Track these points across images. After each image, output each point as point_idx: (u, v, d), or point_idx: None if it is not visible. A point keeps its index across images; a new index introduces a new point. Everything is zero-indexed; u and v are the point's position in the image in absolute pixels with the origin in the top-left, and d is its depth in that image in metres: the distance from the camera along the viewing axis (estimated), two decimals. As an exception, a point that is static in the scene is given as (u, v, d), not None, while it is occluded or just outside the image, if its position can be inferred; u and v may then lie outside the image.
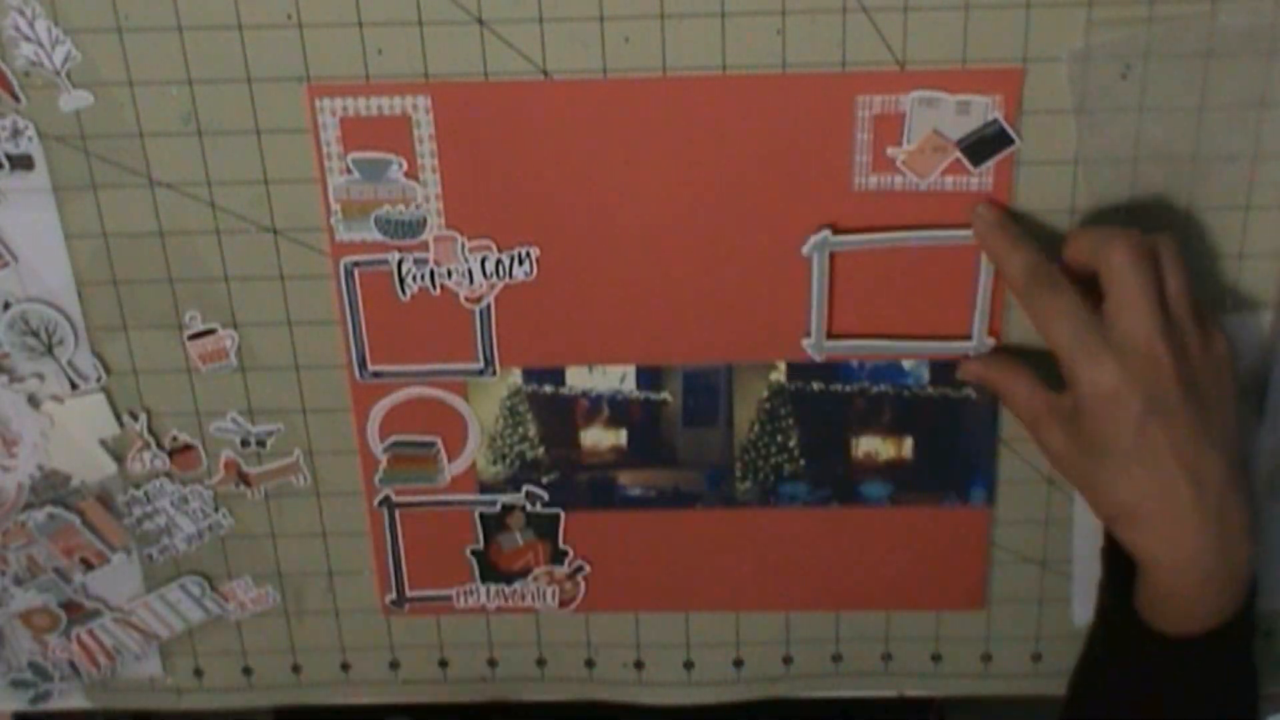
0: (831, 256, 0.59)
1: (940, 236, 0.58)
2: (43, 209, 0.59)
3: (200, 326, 0.61)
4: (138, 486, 0.65)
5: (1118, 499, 0.55)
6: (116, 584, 0.68)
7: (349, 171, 0.58)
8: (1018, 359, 0.59)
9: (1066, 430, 0.56)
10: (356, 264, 0.60)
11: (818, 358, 0.61)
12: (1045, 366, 0.56)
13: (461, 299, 0.60)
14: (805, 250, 0.59)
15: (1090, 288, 0.55)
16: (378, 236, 0.59)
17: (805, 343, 0.61)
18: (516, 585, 0.68)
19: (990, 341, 0.61)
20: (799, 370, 0.62)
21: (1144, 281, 0.53)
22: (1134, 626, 0.57)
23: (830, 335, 0.61)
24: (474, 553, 0.67)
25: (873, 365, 0.62)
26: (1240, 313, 0.60)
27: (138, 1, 0.55)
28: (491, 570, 0.67)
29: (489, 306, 0.61)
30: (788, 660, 0.70)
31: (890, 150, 0.57)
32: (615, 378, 0.63)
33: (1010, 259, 0.57)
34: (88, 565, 0.67)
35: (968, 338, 0.61)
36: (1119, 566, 0.57)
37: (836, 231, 0.58)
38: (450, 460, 0.65)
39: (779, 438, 0.64)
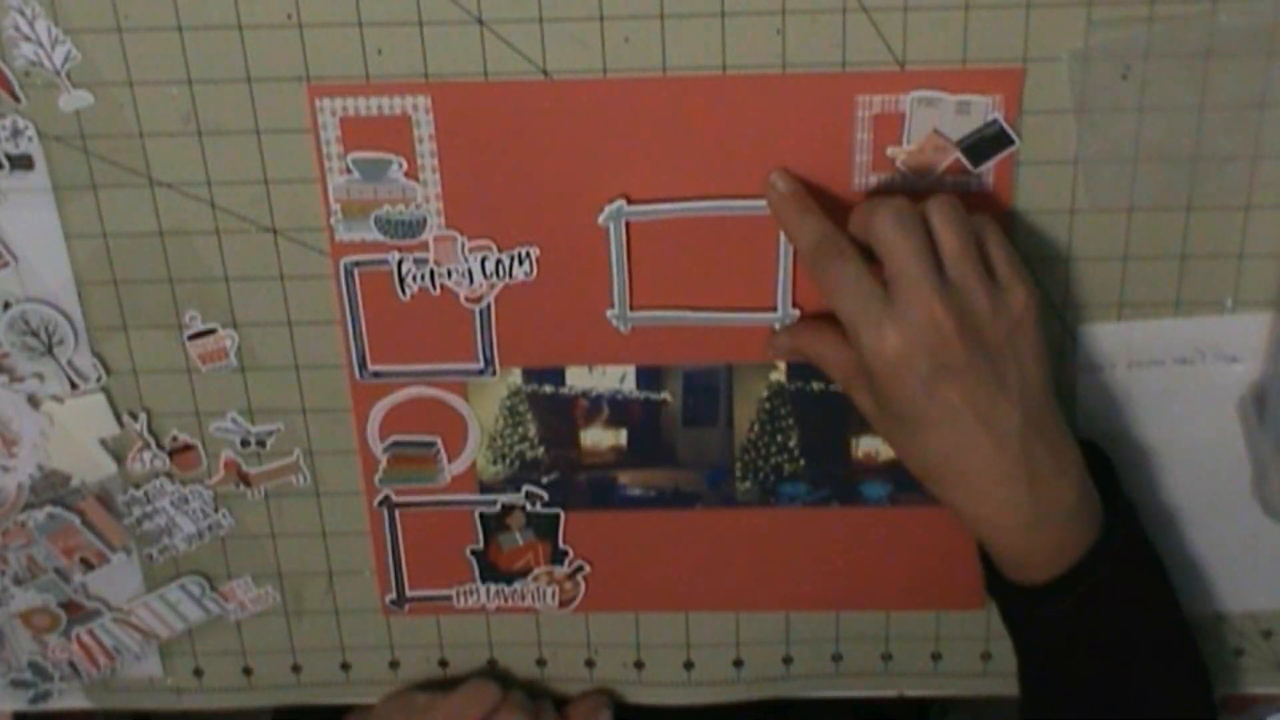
0: (629, 227, 0.58)
1: (739, 207, 0.58)
2: (43, 209, 0.59)
3: (200, 326, 0.61)
4: (138, 486, 0.65)
5: (923, 459, 0.55)
6: (116, 584, 0.68)
7: (349, 171, 0.58)
8: (824, 322, 0.58)
9: (872, 392, 0.55)
10: (356, 264, 0.60)
11: (622, 329, 0.61)
12: None
13: (461, 299, 0.60)
14: (601, 220, 0.58)
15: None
16: (378, 236, 0.59)
17: (609, 314, 0.60)
18: (516, 585, 0.68)
19: (794, 312, 0.60)
20: (799, 370, 0.62)
21: (912, 247, 0.52)
22: (999, 584, 0.58)
23: (634, 308, 0.60)
24: (474, 553, 0.67)
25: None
26: (1240, 313, 0.60)
27: (138, 1, 0.55)
28: (491, 570, 0.67)
29: (489, 306, 0.61)
30: (788, 660, 0.70)
31: (890, 150, 0.57)
32: (615, 378, 0.63)
33: (799, 228, 0.56)
34: (88, 565, 0.66)
35: (771, 309, 0.60)
36: None
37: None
38: (450, 460, 0.65)
39: (779, 438, 0.64)
